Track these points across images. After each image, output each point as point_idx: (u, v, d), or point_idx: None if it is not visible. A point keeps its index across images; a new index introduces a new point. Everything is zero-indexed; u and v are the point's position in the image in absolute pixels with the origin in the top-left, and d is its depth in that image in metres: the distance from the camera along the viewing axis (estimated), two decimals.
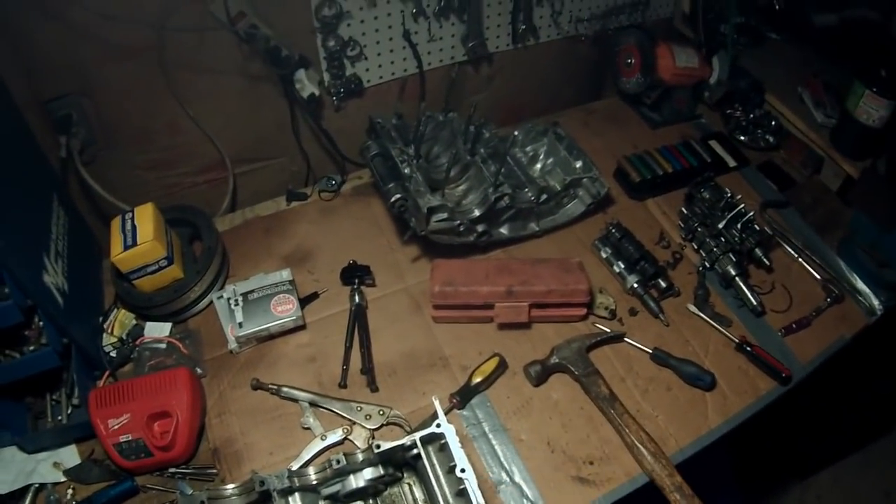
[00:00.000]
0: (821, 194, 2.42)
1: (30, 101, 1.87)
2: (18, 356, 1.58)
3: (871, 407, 3.07)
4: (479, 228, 2.03)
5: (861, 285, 2.13)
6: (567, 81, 2.84)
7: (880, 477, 3.33)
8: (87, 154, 2.04)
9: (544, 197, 2.11)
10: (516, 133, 2.26)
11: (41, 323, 1.60)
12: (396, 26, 2.24)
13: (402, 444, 1.49)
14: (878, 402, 3.04)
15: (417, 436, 1.47)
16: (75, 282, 1.79)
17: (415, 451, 1.49)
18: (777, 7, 2.64)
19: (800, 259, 2.20)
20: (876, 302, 2.10)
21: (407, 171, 1.98)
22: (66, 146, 1.96)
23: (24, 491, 1.65)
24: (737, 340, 1.94)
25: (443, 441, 1.46)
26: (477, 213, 2.00)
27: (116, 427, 1.59)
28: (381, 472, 1.54)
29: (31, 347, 1.60)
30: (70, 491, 1.65)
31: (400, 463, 1.59)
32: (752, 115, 2.60)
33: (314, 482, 1.52)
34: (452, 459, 1.41)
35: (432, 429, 1.46)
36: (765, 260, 2.10)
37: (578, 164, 2.19)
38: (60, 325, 1.62)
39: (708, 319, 2.00)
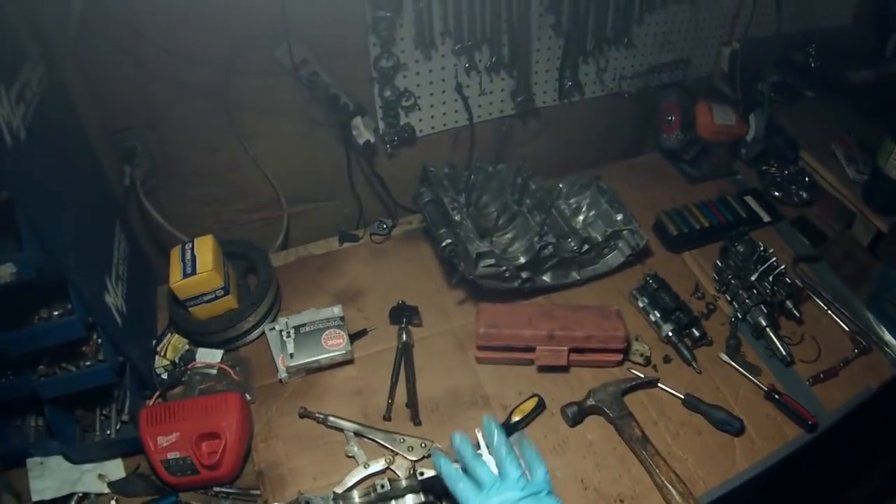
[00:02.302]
0: (852, 249, 2.44)
1: (99, 131, 1.96)
2: (75, 370, 1.65)
3: None
4: (524, 275, 2.10)
5: (888, 337, 2.15)
6: (610, 137, 2.90)
7: None
8: (148, 184, 2.09)
9: (586, 247, 2.17)
10: (561, 185, 2.34)
11: (99, 340, 1.66)
12: (450, 79, 2.32)
13: None
14: None
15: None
16: (133, 304, 1.86)
17: None
18: (813, 65, 2.70)
19: (829, 311, 2.23)
20: None
21: (457, 217, 2.05)
22: (130, 176, 2.02)
23: (67, 499, 1.71)
24: (766, 389, 1.98)
25: None
26: (522, 260, 2.07)
27: (165, 444, 1.65)
28: (422, 498, 1.61)
29: (88, 363, 1.66)
30: (113, 502, 1.71)
31: (440, 494, 1.64)
32: (786, 172, 2.65)
33: None
34: None
35: None
36: (795, 312, 2.12)
37: (619, 217, 2.24)
38: (117, 343, 1.69)
39: (738, 368, 2.04)
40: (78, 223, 1.61)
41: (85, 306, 1.55)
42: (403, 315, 2.12)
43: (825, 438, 1.97)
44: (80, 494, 1.72)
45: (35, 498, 1.69)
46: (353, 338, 2.05)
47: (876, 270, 2.33)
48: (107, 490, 1.72)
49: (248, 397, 1.90)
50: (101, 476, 1.74)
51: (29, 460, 1.75)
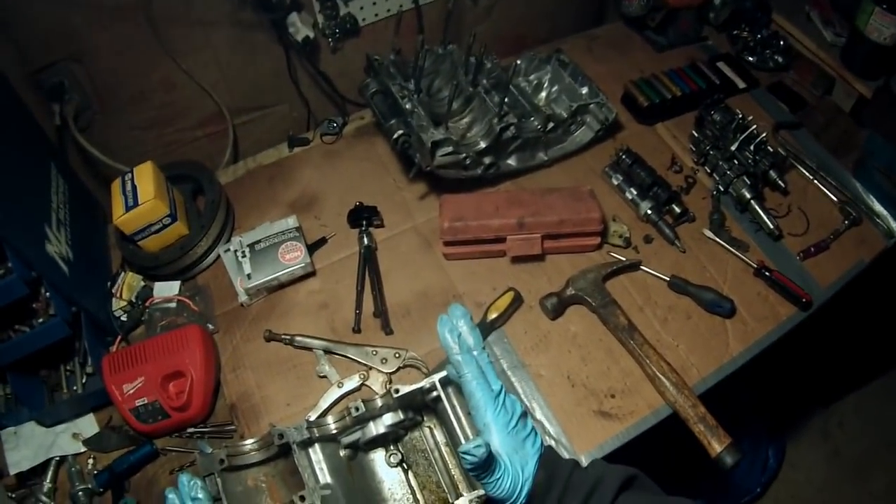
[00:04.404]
0: (833, 115, 2.36)
1: (20, 72, 1.88)
2: (28, 330, 1.58)
3: (892, 332, 3.05)
4: (487, 160, 2.00)
5: (879, 207, 2.08)
6: (568, 8, 2.77)
7: None
8: (82, 120, 2.04)
9: (551, 125, 2.06)
10: (518, 62, 2.21)
11: (48, 294, 1.59)
12: None
13: (422, 388, 1.46)
14: None
15: (436, 378, 1.44)
16: (80, 249, 1.79)
17: (434, 393, 1.46)
18: None
19: (815, 181, 2.15)
20: (895, 224, 2.06)
21: (408, 106, 1.93)
22: (60, 114, 1.96)
23: (45, 466, 1.65)
24: (755, 265, 1.91)
25: None
26: (483, 144, 1.96)
27: (131, 391, 1.60)
28: (401, 416, 1.52)
29: (40, 320, 1.59)
30: (91, 461, 1.65)
31: (419, 406, 1.57)
32: (759, 36, 2.54)
33: (334, 431, 1.49)
34: None
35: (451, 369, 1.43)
36: (780, 182, 2.05)
37: (584, 91, 2.14)
38: (67, 295, 1.63)
39: (725, 244, 1.97)
40: (3, 175, 1.56)
41: (24, 261, 1.50)
42: (363, 217, 2.02)
43: (819, 315, 1.92)
44: (58, 458, 1.67)
45: (13, 471, 1.63)
46: (312, 248, 1.98)
47: (859, 137, 2.26)
48: (83, 449, 1.68)
49: (210, 327, 1.86)
50: (75, 435, 1.70)
51: (2, 432, 1.71)
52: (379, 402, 1.49)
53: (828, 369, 3.26)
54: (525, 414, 1.36)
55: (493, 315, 1.78)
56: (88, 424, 1.71)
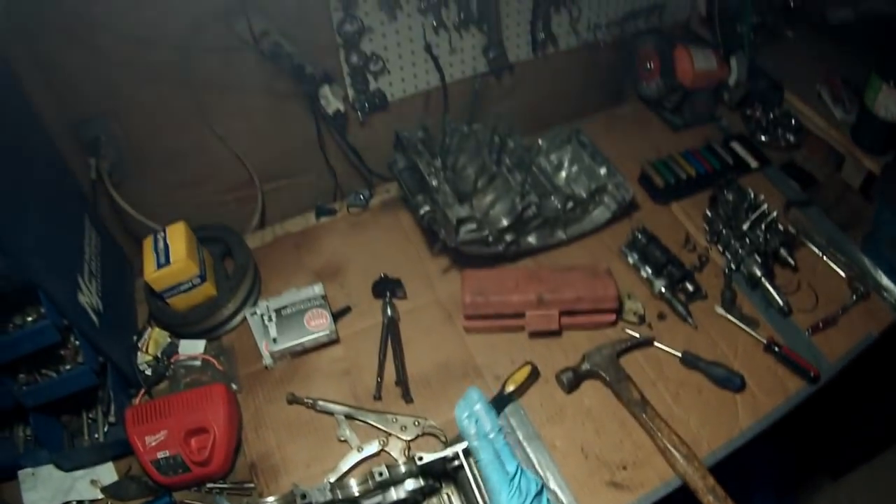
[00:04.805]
0: (843, 192, 2.41)
1: (60, 125, 1.91)
2: (55, 375, 1.62)
3: None
4: (508, 238, 2.05)
5: (886, 281, 2.12)
6: (589, 88, 2.83)
7: None
8: (116, 175, 2.05)
9: (570, 205, 2.12)
10: (540, 141, 2.28)
11: (77, 342, 1.63)
12: (418, 40, 2.24)
13: (445, 456, 1.51)
14: None
15: (459, 448, 1.49)
16: (109, 301, 1.82)
17: (456, 462, 1.52)
18: (792, 5, 2.64)
19: (824, 257, 2.19)
20: None
21: (435, 183, 1.99)
22: (96, 168, 1.97)
23: None
24: (765, 341, 1.94)
25: None
26: (505, 222, 2.02)
27: (154, 444, 1.61)
28: (422, 483, 1.56)
29: (68, 367, 1.63)
30: None
31: (439, 474, 1.61)
32: (771, 115, 2.60)
33: (356, 494, 1.54)
34: None
35: None
36: (790, 259, 2.09)
37: (603, 171, 2.19)
38: (96, 344, 1.66)
39: (735, 321, 2.00)
40: (42, 224, 1.59)
41: (57, 309, 1.52)
42: (387, 288, 2.07)
43: (828, 389, 1.95)
44: (75, 503, 1.69)
45: None
46: (337, 316, 2.01)
47: (868, 213, 2.30)
48: (100, 496, 1.69)
49: (234, 387, 1.87)
50: (93, 482, 1.71)
51: (20, 472, 1.72)
52: (402, 468, 1.54)
53: (838, 442, 3.24)
54: (541, 492, 1.41)
55: (510, 388, 1.81)
56: (107, 472, 1.73)
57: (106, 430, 1.77)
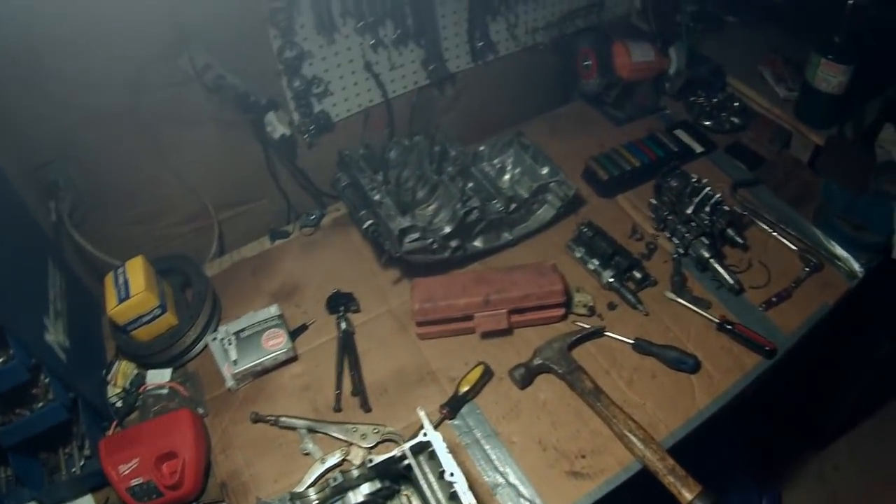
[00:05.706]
0: (792, 168, 2.44)
1: (18, 170, 1.93)
2: (29, 413, 1.64)
3: (879, 372, 3.05)
4: (453, 244, 2.08)
5: (840, 251, 2.15)
6: (532, 91, 2.86)
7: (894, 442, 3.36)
8: (76, 216, 2.07)
9: (513, 206, 2.14)
10: (482, 148, 2.32)
11: (47, 380, 1.67)
12: (357, 59, 2.27)
13: (393, 456, 1.53)
14: (882, 366, 3.02)
15: (406, 446, 1.51)
16: (76, 338, 1.84)
17: (406, 461, 1.53)
18: None
19: (775, 234, 2.22)
20: (856, 265, 2.12)
21: (377, 197, 2.03)
22: (56, 210, 2.00)
23: None
24: (717, 321, 1.97)
25: (431, 449, 1.49)
26: (448, 229, 2.04)
27: (127, 472, 1.64)
28: (379, 485, 1.58)
29: (40, 404, 1.66)
30: None
31: (396, 476, 1.62)
32: (714, 100, 2.64)
33: (315, 502, 1.57)
34: (441, 466, 1.45)
35: (419, 438, 1.50)
36: (738, 239, 2.12)
37: (545, 170, 2.23)
38: (65, 380, 1.70)
39: (687, 304, 2.03)
40: (6, 268, 1.63)
41: (25, 349, 1.57)
42: (340, 303, 2.11)
43: (788, 362, 1.98)
44: None
45: None
46: (294, 334, 2.04)
47: (818, 186, 2.32)
48: None
49: (200, 411, 1.90)
50: None
51: None
52: (356, 473, 1.56)
53: (818, 413, 3.25)
54: None
55: (464, 388, 1.84)
56: None
57: (83, 463, 1.78)
